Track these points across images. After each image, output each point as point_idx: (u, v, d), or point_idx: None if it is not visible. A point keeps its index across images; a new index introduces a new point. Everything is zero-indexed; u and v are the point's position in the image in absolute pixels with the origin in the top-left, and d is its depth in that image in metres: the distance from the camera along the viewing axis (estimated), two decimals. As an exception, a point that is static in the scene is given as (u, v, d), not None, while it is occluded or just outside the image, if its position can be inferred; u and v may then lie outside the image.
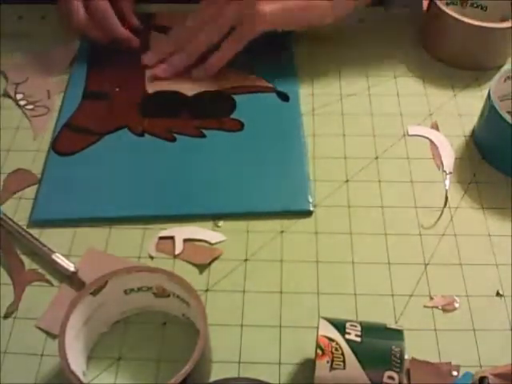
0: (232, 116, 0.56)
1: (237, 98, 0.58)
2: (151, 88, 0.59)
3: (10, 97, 0.59)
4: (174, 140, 0.54)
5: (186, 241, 0.47)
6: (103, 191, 0.50)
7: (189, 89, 0.58)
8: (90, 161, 0.52)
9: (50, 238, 0.47)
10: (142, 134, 0.54)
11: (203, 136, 0.54)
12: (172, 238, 0.47)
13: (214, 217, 0.49)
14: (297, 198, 0.50)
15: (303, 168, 0.52)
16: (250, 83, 0.59)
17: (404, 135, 0.55)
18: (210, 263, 0.46)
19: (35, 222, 0.49)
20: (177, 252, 0.47)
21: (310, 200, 0.50)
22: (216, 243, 0.47)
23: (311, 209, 0.49)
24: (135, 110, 0.57)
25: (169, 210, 0.49)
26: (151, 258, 0.46)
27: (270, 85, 0.59)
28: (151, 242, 0.47)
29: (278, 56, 0.62)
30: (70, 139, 0.54)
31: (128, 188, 0.51)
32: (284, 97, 0.58)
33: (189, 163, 0.52)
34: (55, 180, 0.51)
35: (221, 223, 0.48)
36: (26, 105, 0.58)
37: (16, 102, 0.58)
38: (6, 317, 0.43)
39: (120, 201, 0.50)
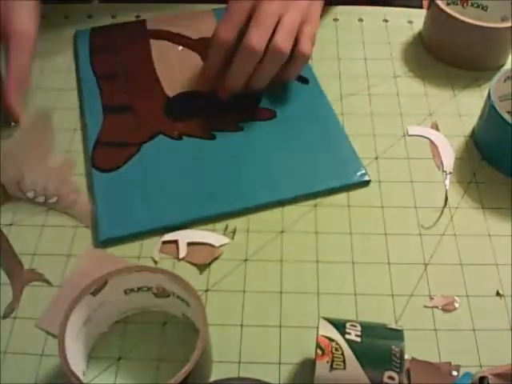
0: (260, 106, 0.57)
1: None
2: (170, 91, 0.58)
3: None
4: (213, 138, 0.54)
5: (189, 244, 0.47)
6: (160, 199, 0.49)
7: (206, 86, 0.58)
8: (136, 172, 0.51)
9: (51, 236, 0.48)
10: (179, 138, 0.54)
11: (241, 129, 0.55)
12: (175, 241, 0.47)
13: (277, 204, 0.49)
14: (351, 172, 0.51)
15: (346, 142, 0.53)
16: None
17: (404, 135, 0.55)
18: (210, 263, 0.46)
19: (103, 243, 0.47)
20: (181, 256, 0.46)
21: (364, 171, 0.51)
22: (220, 246, 0.47)
23: (368, 179, 0.50)
24: (163, 115, 0.56)
25: (226, 207, 0.49)
26: (155, 262, 0.46)
27: None
28: (154, 246, 0.47)
29: None
30: (108, 155, 0.53)
31: (183, 192, 0.50)
32: (303, 80, 0.59)
33: (233, 157, 0.52)
34: (109, 197, 0.50)
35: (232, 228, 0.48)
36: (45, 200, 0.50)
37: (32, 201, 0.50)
38: (4, 317, 0.43)
39: (180, 205, 0.49)
